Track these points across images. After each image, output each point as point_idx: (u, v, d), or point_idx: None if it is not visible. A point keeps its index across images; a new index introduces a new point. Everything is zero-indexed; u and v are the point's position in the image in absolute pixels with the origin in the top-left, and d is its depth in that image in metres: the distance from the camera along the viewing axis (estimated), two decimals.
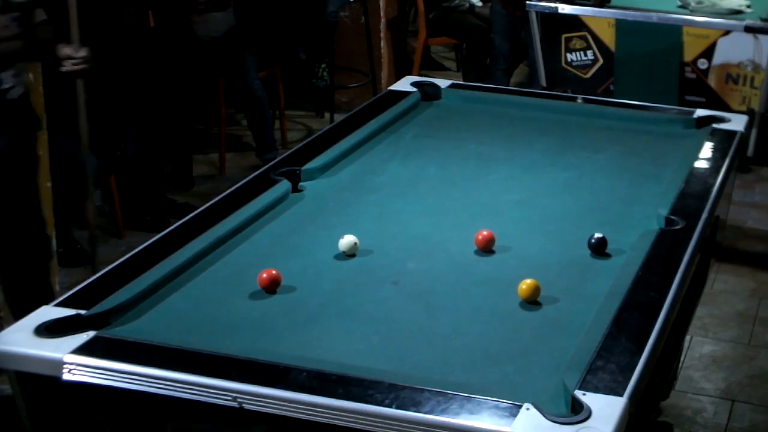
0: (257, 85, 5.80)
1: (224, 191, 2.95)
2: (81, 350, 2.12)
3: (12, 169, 3.63)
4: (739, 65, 4.92)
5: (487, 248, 2.69)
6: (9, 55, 3.52)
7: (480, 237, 2.69)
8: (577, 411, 1.94)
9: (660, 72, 5.11)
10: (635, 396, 2.01)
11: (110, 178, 5.07)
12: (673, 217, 2.79)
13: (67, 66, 3.57)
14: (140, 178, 5.26)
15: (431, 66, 7.61)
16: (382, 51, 6.86)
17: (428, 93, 3.84)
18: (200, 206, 2.85)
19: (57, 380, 2.10)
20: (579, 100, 4.02)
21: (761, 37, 4.83)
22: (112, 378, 2.08)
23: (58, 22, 3.74)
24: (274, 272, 2.46)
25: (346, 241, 2.64)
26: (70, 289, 2.41)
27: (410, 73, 6.08)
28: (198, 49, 5.71)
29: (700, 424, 3.76)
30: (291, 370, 2.06)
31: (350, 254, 2.63)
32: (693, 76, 5.01)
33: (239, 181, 3.02)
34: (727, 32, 4.90)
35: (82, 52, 3.58)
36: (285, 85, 6.12)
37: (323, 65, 6.66)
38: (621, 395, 2.00)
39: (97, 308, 2.27)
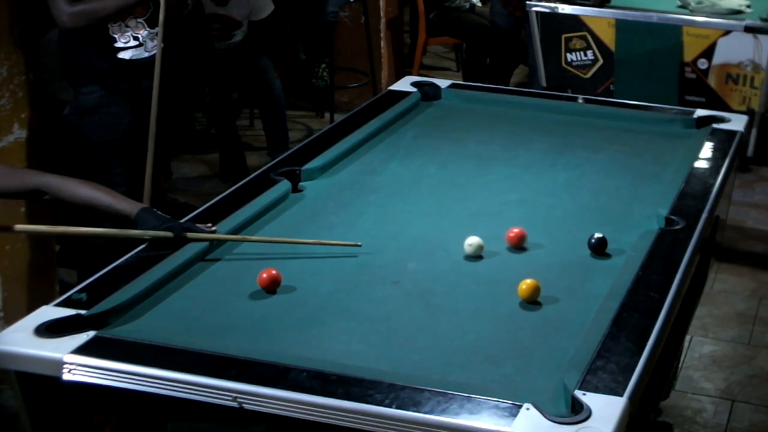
0: (278, 84, 5.82)
1: (224, 191, 2.96)
2: (81, 350, 2.12)
3: None
4: (739, 65, 4.92)
5: (519, 245, 2.70)
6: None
7: (512, 234, 2.70)
8: (577, 411, 1.94)
9: (660, 72, 5.11)
10: (635, 396, 2.01)
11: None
12: (673, 217, 2.79)
13: None
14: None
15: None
16: (382, 51, 6.86)
17: (428, 93, 3.84)
18: (200, 206, 2.85)
19: (57, 380, 2.10)
20: (579, 100, 4.02)
21: (761, 37, 4.83)
22: (112, 378, 2.08)
23: None
24: (274, 272, 2.46)
25: (474, 242, 2.63)
26: (71, 288, 2.41)
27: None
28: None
29: (700, 424, 3.75)
30: (291, 370, 2.06)
31: (476, 255, 2.63)
32: (693, 76, 5.01)
33: (239, 181, 3.02)
34: (727, 32, 4.90)
35: None
36: (285, 85, 6.12)
37: (323, 65, 6.66)
38: (621, 395, 2.00)
39: (97, 308, 2.27)
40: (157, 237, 2.58)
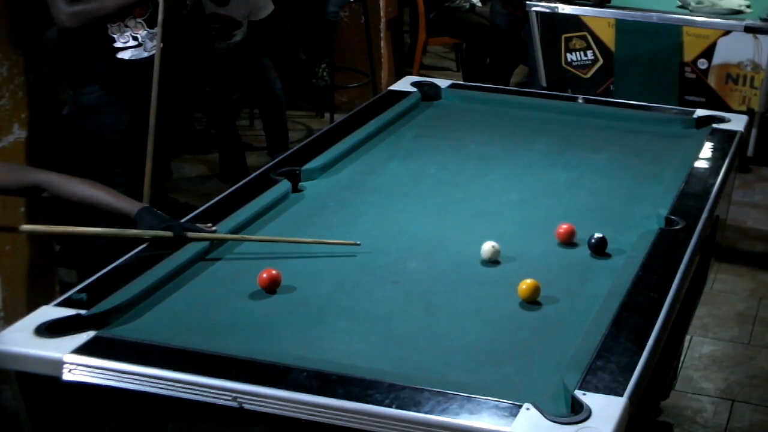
0: (278, 84, 5.83)
1: (224, 191, 2.96)
2: (81, 350, 2.12)
3: None
4: (739, 65, 4.92)
5: (569, 240, 2.71)
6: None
7: (561, 230, 2.71)
8: (577, 411, 1.94)
9: (660, 72, 5.11)
10: (635, 396, 2.02)
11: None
12: (673, 217, 2.79)
13: None
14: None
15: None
16: (382, 51, 6.86)
17: (428, 93, 3.84)
18: (200, 206, 2.85)
19: (57, 380, 2.10)
20: (579, 100, 4.02)
21: (761, 37, 4.83)
22: (112, 378, 2.08)
23: None
24: (274, 272, 2.46)
25: (488, 248, 2.63)
26: (71, 288, 2.41)
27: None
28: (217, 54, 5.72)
29: (700, 424, 3.76)
30: (291, 370, 2.06)
31: (493, 260, 2.62)
32: (693, 76, 5.01)
33: (239, 181, 3.02)
34: (727, 32, 4.90)
35: None
36: (285, 85, 6.13)
37: (323, 65, 6.65)
38: (621, 395, 2.00)
39: (97, 308, 2.27)
40: (157, 236, 2.58)
